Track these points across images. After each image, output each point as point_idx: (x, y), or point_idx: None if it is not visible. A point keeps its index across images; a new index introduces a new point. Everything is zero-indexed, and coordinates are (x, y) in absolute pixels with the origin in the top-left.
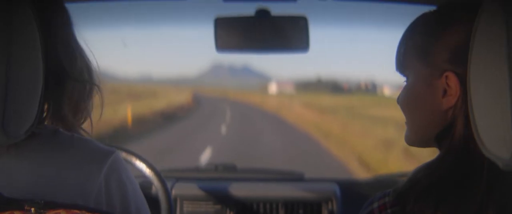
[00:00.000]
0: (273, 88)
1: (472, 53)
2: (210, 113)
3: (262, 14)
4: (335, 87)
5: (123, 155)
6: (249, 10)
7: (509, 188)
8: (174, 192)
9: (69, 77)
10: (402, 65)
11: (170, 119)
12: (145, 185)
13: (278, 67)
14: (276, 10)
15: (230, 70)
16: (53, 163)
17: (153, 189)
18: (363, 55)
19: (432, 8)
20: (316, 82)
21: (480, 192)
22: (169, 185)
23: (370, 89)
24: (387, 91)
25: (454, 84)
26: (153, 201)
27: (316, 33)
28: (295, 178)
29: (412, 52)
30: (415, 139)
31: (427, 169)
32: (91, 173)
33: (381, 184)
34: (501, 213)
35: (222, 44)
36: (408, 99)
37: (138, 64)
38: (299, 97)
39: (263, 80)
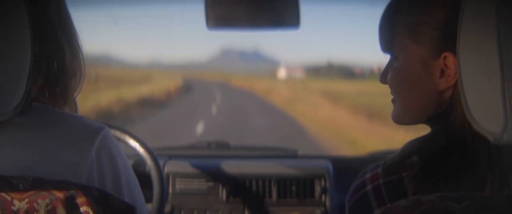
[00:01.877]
0: (282, 73)
1: (461, 27)
2: (186, 111)
3: None
4: (347, 72)
5: (117, 133)
6: None
7: (507, 164)
8: (166, 170)
9: (57, 56)
10: (390, 44)
11: None
12: (138, 162)
13: (288, 52)
14: None
15: (240, 55)
16: (44, 140)
17: (146, 167)
18: (368, 37)
19: None
20: (327, 67)
21: (482, 167)
22: (161, 162)
23: None
24: None
25: (453, 65)
26: (146, 179)
27: (313, 13)
28: (288, 155)
29: (401, 31)
30: (406, 118)
31: (419, 143)
32: (83, 149)
33: (374, 159)
34: (500, 188)
35: (213, 21)
36: (401, 80)
37: (149, 50)
38: (312, 84)
39: (273, 65)
